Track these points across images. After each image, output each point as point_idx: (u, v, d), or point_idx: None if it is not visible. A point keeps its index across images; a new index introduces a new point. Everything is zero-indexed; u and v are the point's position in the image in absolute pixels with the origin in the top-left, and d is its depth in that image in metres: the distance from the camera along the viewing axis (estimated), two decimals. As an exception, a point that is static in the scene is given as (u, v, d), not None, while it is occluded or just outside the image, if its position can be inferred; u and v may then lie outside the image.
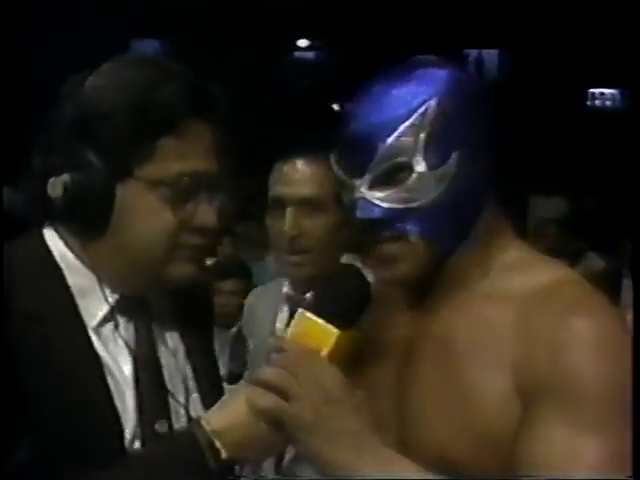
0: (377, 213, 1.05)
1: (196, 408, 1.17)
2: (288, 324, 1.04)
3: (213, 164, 1.11)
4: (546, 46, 9.68)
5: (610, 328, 0.99)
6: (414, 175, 1.04)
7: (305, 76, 10.62)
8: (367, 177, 1.05)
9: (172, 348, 1.19)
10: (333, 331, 0.99)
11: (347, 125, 1.08)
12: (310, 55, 11.15)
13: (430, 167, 1.04)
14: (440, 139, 1.05)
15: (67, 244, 1.12)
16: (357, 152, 1.06)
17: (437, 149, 1.04)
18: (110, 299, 1.12)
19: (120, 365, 1.11)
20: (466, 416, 1.01)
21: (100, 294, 1.11)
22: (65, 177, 1.06)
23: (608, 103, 11.74)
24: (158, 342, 1.17)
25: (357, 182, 1.06)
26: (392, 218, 1.05)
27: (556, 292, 1.03)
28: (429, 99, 1.05)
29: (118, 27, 8.59)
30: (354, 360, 1.06)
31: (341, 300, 1.04)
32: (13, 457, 0.99)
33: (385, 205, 1.05)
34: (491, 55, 11.89)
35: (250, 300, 2.22)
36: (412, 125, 1.04)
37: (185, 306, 1.22)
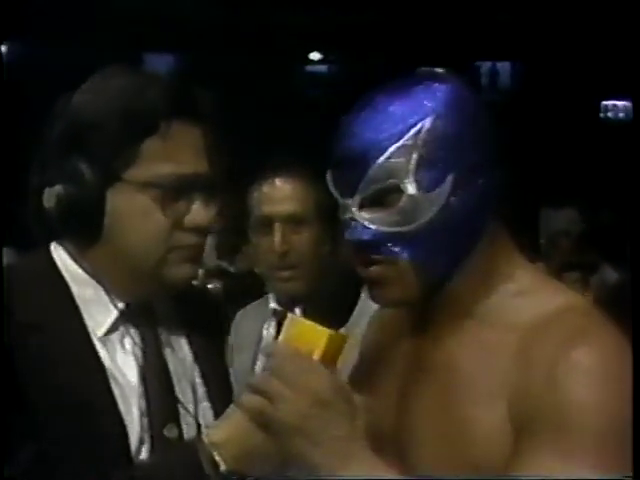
0: (366, 235, 1.02)
1: (206, 415, 1.18)
2: (278, 332, 1.04)
3: (203, 165, 1.13)
4: (559, 58, 9.67)
5: (613, 359, 0.96)
6: (404, 198, 1.01)
7: (318, 89, 10.64)
8: (357, 197, 1.03)
9: (180, 355, 1.20)
10: (324, 331, 0.99)
11: (340, 141, 1.05)
12: (323, 68, 11.19)
13: (422, 190, 1.00)
14: (434, 161, 1.01)
15: (72, 256, 1.15)
16: (348, 171, 1.03)
17: (430, 171, 1.01)
18: (116, 308, 1.14)
19: (126, 373, 1.12)
20: (460, 444, 0.99)
21: (105, 304, 1.13)
22: (57, 188, 1.10)
23: (621, 115, 11.73)
24: (166, 349, 1.18)
25: (348, 202, 1.04)
26: (381, 241, 1.02)
27: (559, 320, 0.99)
28: (424, 118, 1.01)
29: (132, 41, 8.65)
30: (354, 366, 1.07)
31: (330, 301, 1.07)
32: (18, 463, 1.01)
33: (374, 227, 1.02)
34: (504, 67, 11.90)
35: (237, 317, 2.25)
36: (404, 145, 1.00)
37: (192, 312, 1.24)
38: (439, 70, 1.09)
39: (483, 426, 0.98)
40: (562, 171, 8.07)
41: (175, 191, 1.10)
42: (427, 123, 1.01)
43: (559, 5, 8.74)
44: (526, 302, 1.03)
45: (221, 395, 1.21)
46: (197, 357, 1.21)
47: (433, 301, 1.07)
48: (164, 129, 1.10)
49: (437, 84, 1.04)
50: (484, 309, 1.05)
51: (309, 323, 1.00)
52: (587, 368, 0.94)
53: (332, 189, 1.06)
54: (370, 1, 8.81)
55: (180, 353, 1.20)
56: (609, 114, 11.76)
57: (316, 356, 0.98)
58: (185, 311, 1.23)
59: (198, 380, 1.20)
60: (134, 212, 1.10)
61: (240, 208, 1.98)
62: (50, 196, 1.11)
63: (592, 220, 5.37)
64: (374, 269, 1.04)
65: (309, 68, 11.23)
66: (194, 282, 1.33)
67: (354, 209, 1.03)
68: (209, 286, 3.49)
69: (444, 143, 1.01)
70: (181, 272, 1.13)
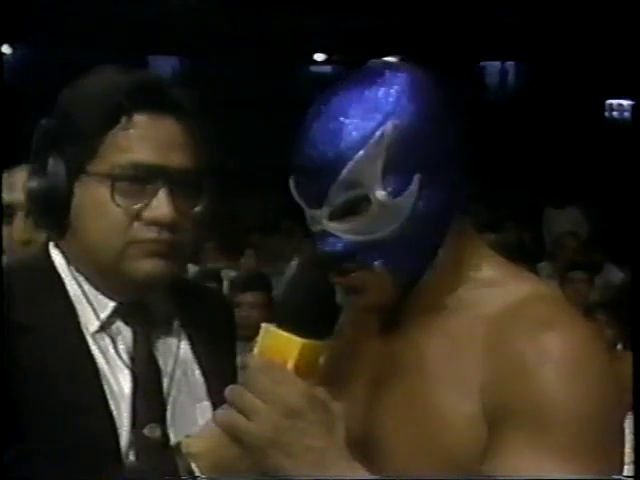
0: (339, 246, 1.00)
1: (205, 414, 1.18)
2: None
3: (171, 158, 1.10)
4: (564, 58, 9.66)
5: (584, 347, 0.93)
6: (374, 206, 0.98)
7: (321, 90, 10.61)
8: (326, 209, 1.00)
9: (179, 355, 1.19)
10: (296, 341, 0.96)
11: (301, 149, 1.00)
12: (327, 69, 11.19)
13: (391, 195, 0.98)
14: (399, 164, 0.98)
15: (63, 253, 1.16)
16: (313, 181, 1.00)
17: (397, 175, 0.98)
18: (105, 308, 1.15)
19: (117, 371, 1.13)
20: (433, 440, 0.97)
21: (97, 302, 1.14)
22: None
23: (626, 114, 11.70)
24: (159, 347, 1.18)
25: (317, 213, 1.01)
26: (355, 250, 1.00)
27: (527, 309, 0.97)
28: (384, 121, 0.97)
29: (135, 45, 8.66)
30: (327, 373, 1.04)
31: (305, 309, 1.05)
32: (7, 459, 1.02)
33: (347, 238, 1.00)
34: (509, 67, 11.88)
35: None
36: (368, 153, 0.97)
37: (195, 313, 1.23)
38: (391, 60, 1.05)
39: (455, 420, 0.96)
40: (568, 172, 8.05)
41: (132, 181, 1.09)
42: (388, 126, 0.97)
43: (563, 5, 8.73)
44: (494, 292, 1.01)
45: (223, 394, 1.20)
46: (200, 358, 1.21)
47: (404, 299, 1.05)
48: (125, 122, 1.10)
49: (393, 80, 1.00)
50: (452, 302, 1.03)
51: (282, 333, 0.97)
52: (556, 356, 0.92)
53: (297, 198, 1.03)
54: (374, 2, 8.80)
55: (176, 353, 1.19)
56: (614, 114, 11.74)
57: (289, 366, 0.95)
58: (188, 310, 1.22)
59: (200, 381, 1.20)
60: (93, 204, 1.10)
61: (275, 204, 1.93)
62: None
63: (597, 221, 5.38)
64: (349, 278, 1.02)
65: (313, 69, 11.24)
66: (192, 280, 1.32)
67: (324, 221, 1.00)
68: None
69: (407, 144, 0.98)
70: (143, 267, 1.10)
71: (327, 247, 1.01)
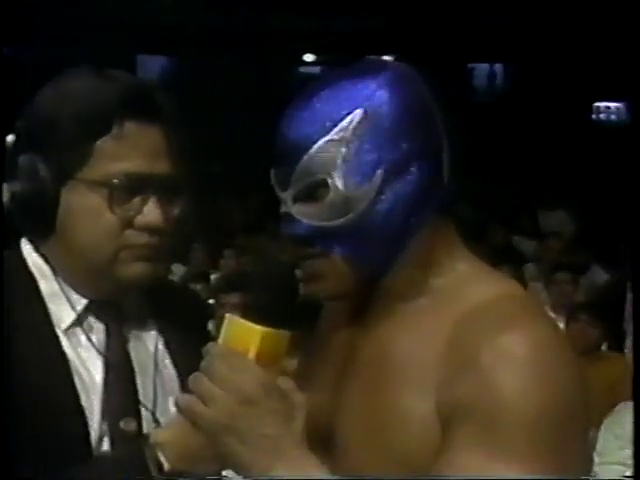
0: (299, 229, 1.01)
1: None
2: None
3: (160, 165, 1.13)
4: (551, 60, 9.70)
5: (543, 347, 0.91)
6: (332, 193, 0.98)
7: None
8: (290, 191, 1.01)
9: (149, 350, 1.21)
10: (258, 330, 0.96)
11: (277, 136, 1.02)
12: (315, 70, 11.20)
13: (349, 186, 0.97)
14: (364, 154, 0.97)
15: (38, 251, 1.17)
16: (283, 165, 1.01)
17: (359, 166, 0.97)
18: (78, 304, 1.16)
19: (89, 367, 1.14)
20: (388, 437, 0.97)
21: (69, 298, 1.16)
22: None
23: (613, 117, 11.76)
24: (131, 344, 1.19)
25: (283, 195, 1.02)
26: (314, 235, 1.00)
27: (490, 308, 0.95)
28: (355, 109, 0.97)
29: (123, 44, 8.65)
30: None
31: (268, 298, 1.05)
32: None
33: (306, 221, 1.00)
34: (497, 69, 11.92)
35: None
36: (332, 139, 0.97)
37: (168, 309, 1.24)
38: (382, 58, 1.05)
39: (411, 418, 0.95)
40: (554, 173, 8.08)
41: (126, 190, 1.11)
42: (357, 117, 0.97)
43: (552, 8, 8.77)
44: (462, 291, 1.00)
45: None
46: (173, 354, 1.23)
47: (369, 292, 1.05)
48: (117, 129, 1.10)
49: (376, 74, 0.99)
50: (420, 299, 1.02)
51: (245, 322, 0.98)
52: (513, 356, 0.89)
53: (273, 184, 1.05)
54: (364, 4, 8.81)
55: (149, 348, 1.21)
56: (601, 116, 11.80)
57: (251, 355, 0.96)
58: (160, 307, 1.24)
59: (172, 375, 1.21)
60: (85, 211, 1.12)
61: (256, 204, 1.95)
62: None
63: (583, 222, 5.40)
64: (309, 262, 1.02)
65: (302, 69, 11.26)
66: (175, 280, 1.33)
67: (289, 203, 1.01)
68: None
69: (374, 136, 0.97)
70: (133, 271, 1.13)
71: (288, 229, 1.02)
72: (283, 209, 1.02)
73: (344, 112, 0.97)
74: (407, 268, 1.02)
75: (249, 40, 9.44)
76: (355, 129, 0.97)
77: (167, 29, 9.17)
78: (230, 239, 5.76)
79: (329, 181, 0.98)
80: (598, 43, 9.22)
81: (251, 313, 1.02)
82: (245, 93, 9.53)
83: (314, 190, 0.99)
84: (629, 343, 3.90)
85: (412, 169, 0.99)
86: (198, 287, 4.14)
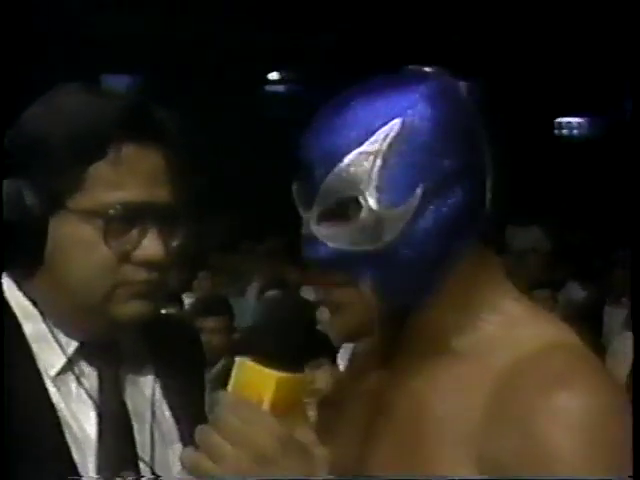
0: (324, 253, 0.89)
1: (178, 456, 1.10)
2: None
3: (160, 193, 1.02)
4: (513, 77, 9.79)
5: (602, 407, 0.82)
6: (364, 213, 0.86)
7: (276, 108, 10.63)
8: (315, 210, 0.89)
9: (148, 397, 1.10)
10: (271, 375, 0.86)
11: (301, 149, 0.91)
12: (281, 88, 11.19)
13: (385, 204, 0.86)
14: (401, 170, 0.86)
15: (22, 290, 1.05)
16: (307, 181, 0.90)
17: (395, 183, 0.86)
18: (68, 347, 1.04)
19: (81, 418, 1.03)
20: None
21: (58, 341, 1.04)
22: None
23: (575, 132, 11.91)
24: (129, 391, 1.08)
25: (307, 215, 0.91)
26: (341, 260, 0.88)
27: (543, 360, 0.85)
28: (393, 119, 0.86)
29: (88, 62, 8.54)
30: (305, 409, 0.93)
31: (282, 340, 0.96)
32: None
33: (332, 245, 0.88)
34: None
35: None
36: (366, 151, 0.86)
37: (164, 348, 1.13)
38: (425, 68, 0.94)
39: (446, 472, 0.86)
40: (528, 190, 8.14)
41: (123, 221, 0.99)
42: (395, 126, 0.86)
43: (512, 23, 8.86)
44: (506, 338, 0.89)
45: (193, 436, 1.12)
46: (170, 399, 1.11)
47: (401, 333, 0.94)
48: (113, 153, 0.99)
49: (410, 82, 0.89)
50: (459, 344, 0.91)
51: (257, 367, 0.87)
52: (569, 416, 0.80)
53: (296, 202, 0.93)
54: (328, 21, 8.83)
55: (146, 394, 1.10)
56: (563, 131, 11.94)
57: (265, 405, 0.85)
58: (156, 345, 1.13)
59: (169, 420, 1.10)
60: (77, 243, 1.00)
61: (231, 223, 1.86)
62: None
63: (558, 237, 5.42)
64: (332, 292, 0.91)
65: (267, 88, 11.22)
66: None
67: (312, 223, 0.89)
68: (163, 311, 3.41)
69: (413, 151, 0.86)
70: (130, 310, 1.02)
71: (311, 253, 0.89)
72: (305, 231, 0.90)
73: (380, 122, 0.86)
74: (444, 304, 0.91)
75: (214, 57, 9.41)
76: (392, 141, 0.86)
77: (128, 48, 9.09)
78: (203, 259, 5.67)
79: (361, 199, 0.86)
80: (558, 59, 9.35)
81: (264, 356, 0.91)
82: (210, 111, 9.46)
83: (343, 209, 0.87)
84: (609, 359, 3.91)
85: (454, 190, 0.88)
86: (171, 311, 4.05)
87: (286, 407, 0.86)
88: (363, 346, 1.04)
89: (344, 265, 0.88)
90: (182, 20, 8.73)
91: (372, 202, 0.86)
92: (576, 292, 4.83)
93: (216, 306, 3.83)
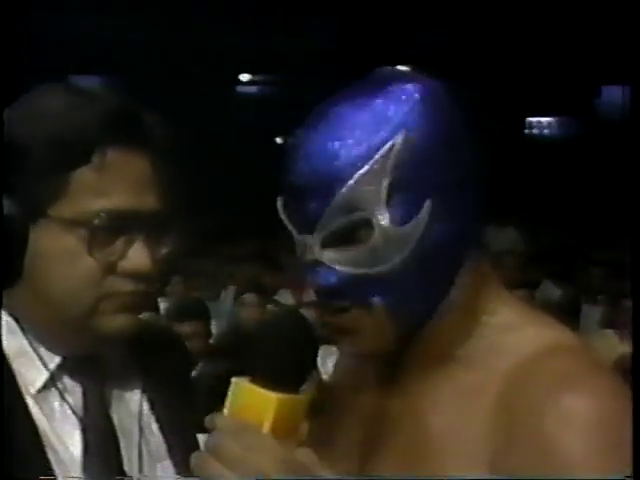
0: (332, 279, 0.86)
1: (168, 473, 1.06)
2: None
3: (148, 200, 0.98)
4: (484, 76, 9.83)
5: (610, 405, 0.82)
6: (376, 233, 0.84)
7: (248, 110, 10.60)
8: (319, 234, 0.86)
9: (135, 413, 1.06)
10: (271, 397, 0.83)
11: (293, 164, 0.87)
12: (253, 89, 11.16)
13: (397, 222, 0.84)
14: (409, 185, 0.85)
15: (0, 303, 1.00)
16: (306, 202, 0.86)
17: (405, 198, 0.84)
18: (50, 363, 1.00)
19: (65, 439, 0.99)
20: None
21: (39, 356, 0.99)
22: None
23: (546, 132, 12.00)
24: (115, 407, 1.04)
25: (308, 239, 0.87)
26: (351, 285, 0.86)
27: (546, 363, 0.85)
28: (393, 134, 0.84)
29: (58, 63, 8.46)
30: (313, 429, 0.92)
31: (281, 360, 0.88)
32: None
33: (341, 269, 0.86)
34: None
35: None
36: (372, 170, 0.84)
37: (152, 362, 1.09)
38: (403, 68, 0.91)
39: None
40: (502, 191, 8.18)
41: (108, 230, 0.95)
42: (398, 140, 0.84)
43: (481, 23, 8.90)
44: (510, 341, 0.89)
45: (185, 451, 1.07)
46: (157, 411, 1.07)
47: (407, 347, 0.92)
48: (98, 159, 0.94)
49: (404, 90, 0.87)
50: (461, 351, 0.90)
51: (256, 389, 0.84)
52: (580, 419, 0.80)
53: (286, 223, 0.90)
54: (301, 24, 8.82)
55: (132, 410, 1.06)
56: (534, 130, 12.02)
57: (265, 428, 0.82)
58: (142, 357, 1.09)
59: (157, 436, 1.07)
60: (59, 254, 0.95)
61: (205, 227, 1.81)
62: None
63: (532, 238, 5.45)
64: (342, 318, 0.88)
65: (238, 89, 11.19)
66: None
67: (316, 249, 0.86)
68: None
69: (419, 162, 0.84)
70: (115, 323, 0.98)
71: (318, 280, 0.87)
72: (308, 256, 0.87)
73: (379, 139, 0.84)
74: (447, 315, 0.89)
75: (187, 59, 9.37)
76: (397, 156, 0.84)
77: (98, 48, 9.03)
78: (176, 264, 5.63)
79: (372, 219, 0.84)
80: (528, 59, 9.40)
81: (261, 376, 0.85)
82: (182, 113, 9.42)
83: (352, 232, 0.85)
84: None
85: (460, 198, 0.87)
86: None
87: (287, 429, 0.84)
88: (356, 360, 1.01)
89: (354, 289, 0.86)
90: (150, 21, 8.70)
91: (384, 222, 0.84)
92: (552, 291, 4.86)
93: (193, 309, 3.79)
